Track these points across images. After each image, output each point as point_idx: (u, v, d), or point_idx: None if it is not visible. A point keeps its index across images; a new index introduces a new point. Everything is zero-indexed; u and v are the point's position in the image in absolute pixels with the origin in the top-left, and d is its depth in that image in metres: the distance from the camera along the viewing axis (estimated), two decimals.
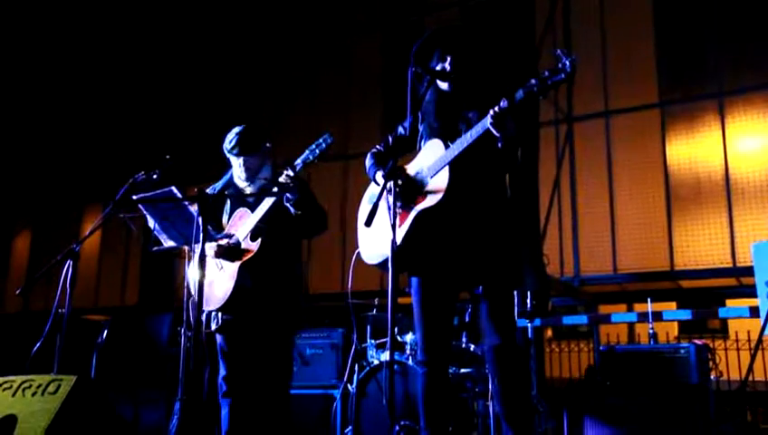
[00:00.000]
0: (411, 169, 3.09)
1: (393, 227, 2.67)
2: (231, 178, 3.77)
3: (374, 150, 3.38)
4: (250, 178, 3.68)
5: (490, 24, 9.86)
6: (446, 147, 2.90)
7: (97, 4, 14.35)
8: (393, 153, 3.14)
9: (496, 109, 2.69)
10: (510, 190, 3.06)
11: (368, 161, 3.34)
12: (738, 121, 8.98)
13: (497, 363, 2.86)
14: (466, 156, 2.84)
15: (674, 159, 9.19)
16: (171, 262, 11.34)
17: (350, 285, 3.45)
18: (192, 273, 3.45)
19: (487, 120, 2.72)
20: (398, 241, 2.74)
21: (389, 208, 2.74)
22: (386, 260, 3.03)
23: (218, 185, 3.80)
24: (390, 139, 3.29)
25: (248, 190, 3.68)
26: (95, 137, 14.70)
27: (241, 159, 3.65)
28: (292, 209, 3.47)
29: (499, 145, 2.78)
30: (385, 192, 2.86)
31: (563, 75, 2.55)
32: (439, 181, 2.88)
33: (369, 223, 3.06)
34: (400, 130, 3.25)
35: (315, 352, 6.07)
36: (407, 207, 2.97)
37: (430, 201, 2.88)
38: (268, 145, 3.75)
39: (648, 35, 9.67)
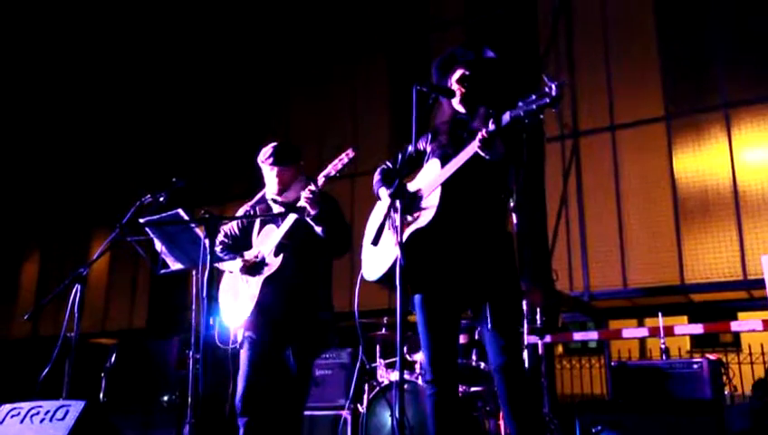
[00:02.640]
0: (411, 187, 3.10)
1: (401, 245, 2.65)
2: (263, 195, 3.81)
3: (384, 167, 3.39)
4: (282, 191, 3.71)
5: (493, 41, 9.88)
6: (443, 167, 2.92)
7: (105, 28, 14.49)
8: (400, 172, 3.13)
9: (484, 132, 2.70)
10: (514, 208, 3.05)
11: (376, 177, 3.35)
12: (745, 133, 8.96)
13: (505, 383, 2.83)
14: (460, 175, 2.84)
15: (681, 171, 9.17)
16: (180, 285, 11.33)
17: (356, 306, 3.42)
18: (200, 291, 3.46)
19: (475, 144, 2.73)
20: (396, 258, 2.73)
21: (394, 226, 2.73)
22: (383, 276, 3.02)
23: (250, 203, 3.84)
24: (399, 157, 3.25)
25: (275, 208, 3.70)
26: (102, 160, 14.79)
27: (275, 170, 3.69)
28: (316, 227, 3.49)
29: (487, 160, 2.78)
30: (390, 211, 2.86)
31: (548, 100, 2.54)
32: (432, 201, 2.89)
33: (376, 242, 3.05)
34: (410, 148, 3.23)
35: (324, 373, 6.04)
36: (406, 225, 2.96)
37: (423, 221, 2.89)
38: (302, 163, 3.78)
39: (652, 48, 9.68)
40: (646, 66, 9.68)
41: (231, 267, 3.66)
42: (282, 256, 3.51)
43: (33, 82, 15.54)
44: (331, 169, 3.40)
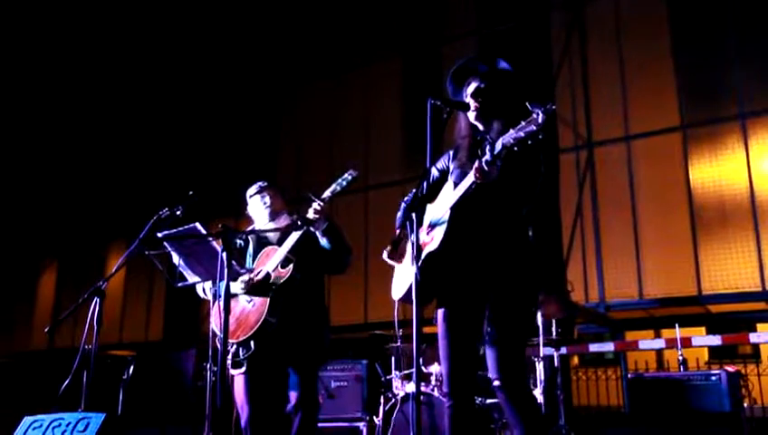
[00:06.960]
0: (431, 210, 3.10)
1: (416, 258, 2.66)
2: (253, 227, 3.93)
3: (406, 201, 3.28)
4: (272, 217, 3.83)
5: (507, 53, 9.90)
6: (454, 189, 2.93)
7: (121, 42, 14.65)
8: (424, 202, 3.02)
9: (483, 164, 2.69)
10: (530, 226, 3.03)
11: (399, 214, 3.28)
12: (762, 142, 8.90)
13: (506, 400, 2.84)
14: (466, 198, 2.85)
15: (697, 181, 9.11)
16: (196, 297, 11.38)
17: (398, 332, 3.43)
18: (216, 308, 3.49)
19: (472, 174, 2.73)
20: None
21: (411, 241, 2.73)
22: (405, 294, 3.04)
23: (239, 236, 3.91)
24: (425, 186, 2.90)
25: (270, 234, 3.77)
26: (118, 174, 14.92)
27: (267, 196, 3.85)
28: (322, 240, 3.60)
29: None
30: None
31: (534, 127, 2.52)
32: (442, 225, 2.92)
33: (391, 254, 3.07)
34: (433, 172, 3.17)
35: (340, 385, 6.05)
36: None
37: (434, 244, 2.91)
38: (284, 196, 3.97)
39: (667, 58, 9.65)
40: (661, 76, 9.65)
41: (232, 289, 3.67)
42: (291, 266, 3.58)
43: (49, 96, 15.71)
44: (336, 186, 3.55)
